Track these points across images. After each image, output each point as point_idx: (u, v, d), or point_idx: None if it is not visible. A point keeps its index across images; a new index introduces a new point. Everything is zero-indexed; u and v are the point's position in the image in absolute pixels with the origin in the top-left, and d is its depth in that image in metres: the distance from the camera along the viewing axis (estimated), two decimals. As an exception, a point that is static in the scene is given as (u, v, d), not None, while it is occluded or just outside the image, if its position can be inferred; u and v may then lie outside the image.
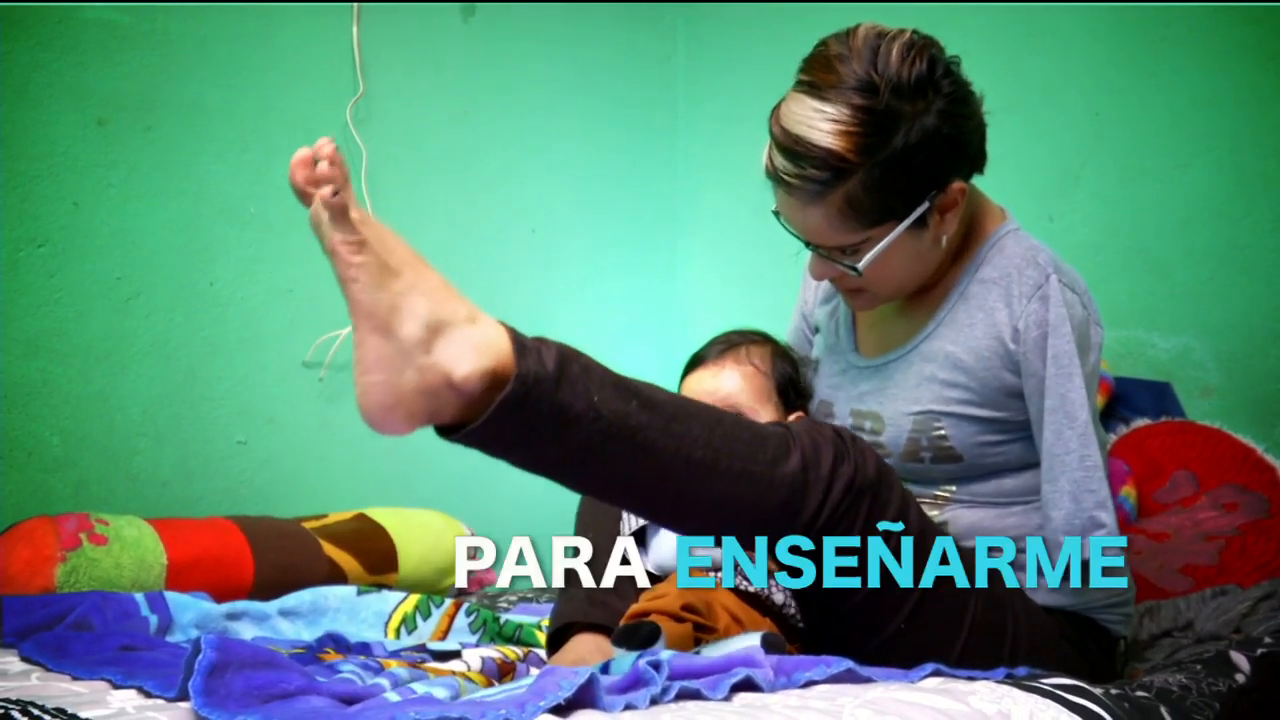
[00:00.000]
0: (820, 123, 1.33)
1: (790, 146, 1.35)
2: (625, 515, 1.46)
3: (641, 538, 1.45)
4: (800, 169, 1.35)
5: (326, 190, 1.05)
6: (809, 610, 1.32)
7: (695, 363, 1.58)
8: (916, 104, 1.33)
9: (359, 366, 1.08)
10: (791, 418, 1.53)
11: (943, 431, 1.43)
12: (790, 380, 1.56)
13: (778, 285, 1.88)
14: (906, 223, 1.38)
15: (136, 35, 2.09)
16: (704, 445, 1.15)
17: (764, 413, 1.52)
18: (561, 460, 1.13)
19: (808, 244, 1.43)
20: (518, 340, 1.10)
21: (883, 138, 1.33)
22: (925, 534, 1.27)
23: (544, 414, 1.09)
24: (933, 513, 1.44)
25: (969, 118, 1.38)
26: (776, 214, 1.43)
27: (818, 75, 1.35)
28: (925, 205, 1.37)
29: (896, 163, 1.34)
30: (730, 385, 1.53)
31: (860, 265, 1.40)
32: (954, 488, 1.45)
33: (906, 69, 1.33)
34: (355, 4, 2.35)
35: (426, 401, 1.08)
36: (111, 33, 2.06)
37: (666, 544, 1.43)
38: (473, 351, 1.08)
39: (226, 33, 2.20)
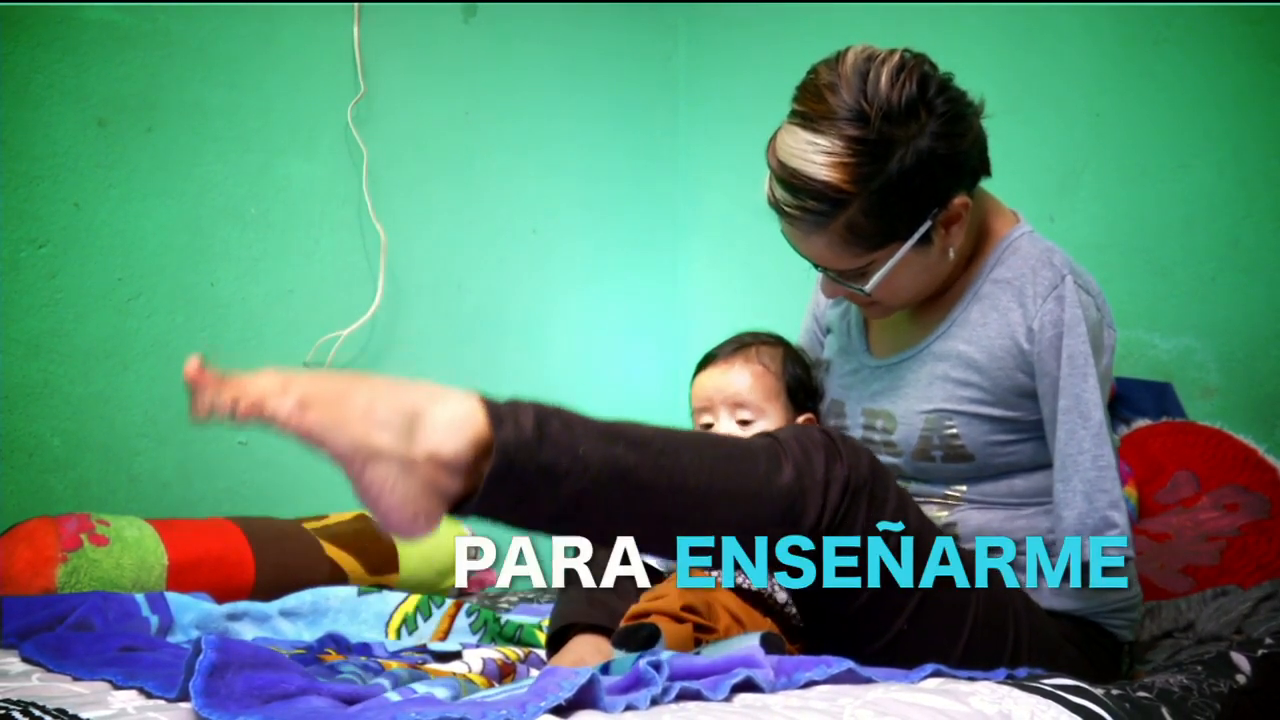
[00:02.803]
0: (814, 155, 1.33)
1: (787, 179, 1.36)
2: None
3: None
4: (799, 201, 1.36)
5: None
6: (810, 612, 1.32)
7: (706, 361, 1.59)
8: (909, 128, 1.33)
9: (368, 503, 1.10)
10: (800, 419, 1.53)
11: (954, 430, 1.43)
12: (800, 382, 1.56)
13: (779, 284, 1.88)
14: (910, 243, 1.38)
15: (137, 36, 2.09)
16: (696, 473, 1.16)
17: (771, 411, 1.53)
18: (561, 515, 1.14)
19: (816, 265, 1.44)
20: (492, 409, 1.10)
21: (878, 165, 1.33)
22: (924, 533, 1.27)
23: (532, 476, 1.10)
24: (943, 513, 1.44)
25: (964, 134, 1.37)
26: (785, 235, 1.44)
27: (809, 105, 1.35)
28: (928, 224, 1.38)
29: (894, 188, 1.34)
30: (739, 383, 1.53)
31: (868, 288, 1.41)
32: (965, 487, 1.45)
33: (897, 93, 1.33)
34: (356, 4, 2.35)
35: (434, 494, 1.09)
36: (112, 33, 2.06)
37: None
38: (452, 429, 1.09)
39: (227, 33, 2.20)
